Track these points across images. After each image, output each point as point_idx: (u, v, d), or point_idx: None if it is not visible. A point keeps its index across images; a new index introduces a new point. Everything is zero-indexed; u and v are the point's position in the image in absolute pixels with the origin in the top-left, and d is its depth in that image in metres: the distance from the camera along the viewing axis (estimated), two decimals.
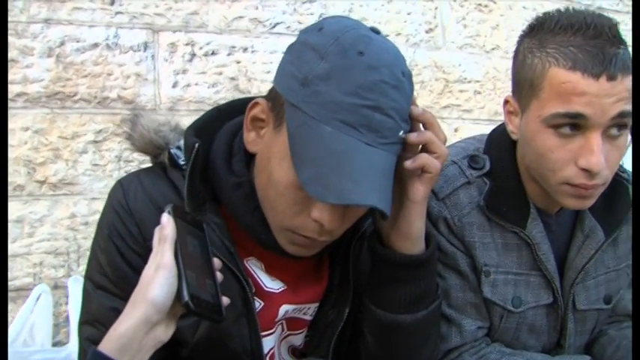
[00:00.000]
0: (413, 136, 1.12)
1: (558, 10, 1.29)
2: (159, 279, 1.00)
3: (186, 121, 1.30)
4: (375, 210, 1.03)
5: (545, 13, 1.30)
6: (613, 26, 1.23)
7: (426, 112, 1.15)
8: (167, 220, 1.06)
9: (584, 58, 1.20)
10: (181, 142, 1.23)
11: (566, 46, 1.23)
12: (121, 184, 1.25)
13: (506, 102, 1.41)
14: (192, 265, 1.04)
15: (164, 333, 1.02)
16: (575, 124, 1.23)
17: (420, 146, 1.16)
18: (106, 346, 0.97)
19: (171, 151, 1.23)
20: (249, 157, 1.21)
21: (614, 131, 1.24)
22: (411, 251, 1.19)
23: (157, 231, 1.07)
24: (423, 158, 1.13)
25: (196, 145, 1.15)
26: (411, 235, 1.19)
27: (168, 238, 1.04)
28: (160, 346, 1.02)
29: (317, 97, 1.04)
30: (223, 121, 1.28)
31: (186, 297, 0.99)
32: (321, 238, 1.12)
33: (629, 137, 1.30)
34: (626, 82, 1.21)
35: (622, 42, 1.22)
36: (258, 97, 1.19)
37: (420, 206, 1.17)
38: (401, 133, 1.07)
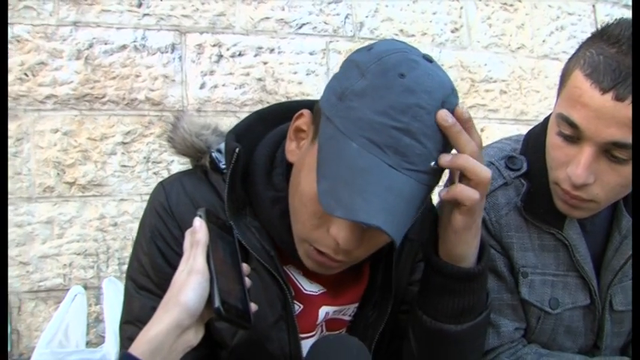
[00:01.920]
0: (444, 160, 1.05)
1: (625, 19, 1.25)
2: (192, 283, 0.99)
3: (215, 122, 1.31)
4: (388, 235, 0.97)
5: (618, 20, 1.26)
6: None
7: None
8: (200, 225, 1.06)
9: (602, 70, 1.18)
10: (222, 146, 1.23)
11: (598, 54, 1.21)
12: (162, 186, 1.25)
13: None
14: (223, 270, 1.04)
15: (194, 337, 1.01)
16: (574, 132, 1.23)
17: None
18: (137, 349, 0.96)
19: (213, 154, 1.23)
20: (290, 170, 1.19)
21: (617, 154, 1.21)
22: (459, 264, 1.17)
23: (187, 234, 1.07)
24: (457, 190, 1.08)
25: (237, 149, 1.16)
26: (453, 257, 1.16)
27: (201, 243, 1.03)
28: (189, 350, 1.01)
29: (349, 113, 1.02)
30: (265, 126, 1.28)
31: (217, 302, 0.98)
32: (337, 256, 1.09)
33: None
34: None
35: None
36: (301, 100, 1.19)
37: (459, 235, 1.13)
38: (432, 163, 1.02)
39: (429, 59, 1.08)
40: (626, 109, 1.16)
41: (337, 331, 1.33)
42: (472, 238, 1.15)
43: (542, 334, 1.47)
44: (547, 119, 1.40)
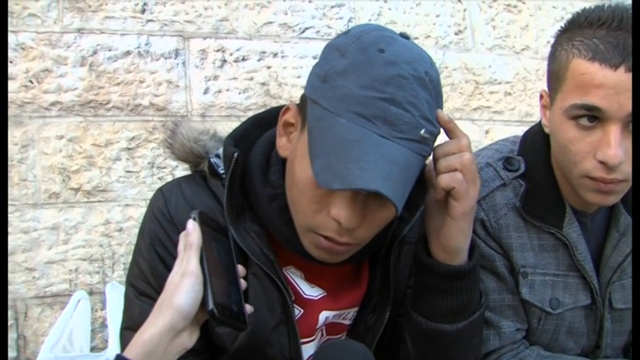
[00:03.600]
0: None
1: (595, 7, 1.27)
2: (185, 286, 0.99)
3: (219, 127, 1.31)
4: (395, 209, 1.01)
5: (581, 10, 1.30)
6: None
7: (452, 121, 1.13)
8: (193, 227, 1.06)
9: (605, 49, 1.20)
10: (220, 151, 1.24)
11: (590, 38, 1.23)
12: (162, 192, 1.26)
13: (541, 96, 1.41)
14: (217, 272, 1.04)
15: (188, 340, 1.02)
16: (594, 116, 1.23)
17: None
18: (131, 352, 0.97)
19: (211, 159, 1.24)
20: (285, 167, 1.21)
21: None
22: (451, 262, 1.18)
23: (182, 237, 1.07)
24: (439, 181, 1.12)
25: (235, 154, 1.17)
26: (450, 249, 1.17)
27: (194, 245, 1.04)
28: (183, 353, 1.02)
29: (334, 91, 1.05)
30: (262, 130, 1.29)
31: (211, 305, 0.98)
32: (342, 239, 1.11)
33: None
34: None
35: None
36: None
37: (457, 222, 1.14)
38: (422, 131, 1.05)
39: (405, 36, 1.13)
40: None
41: (337, 336, 1.33)
42: (469, 226, 1.17)
43: (544, 334, 1.46)
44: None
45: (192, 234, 1.05)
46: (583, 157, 1.27)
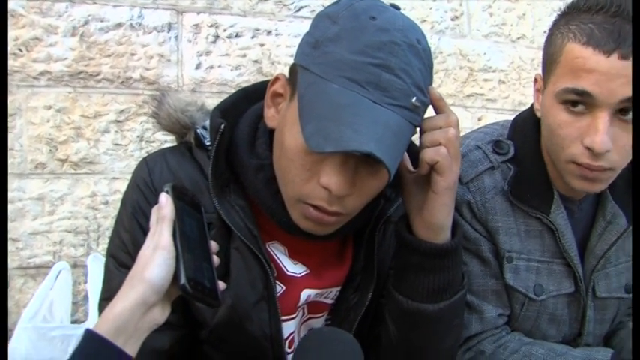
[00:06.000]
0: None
1: None
2: (157, 260, 0.97)
3: (209, 102, 1.30)
4: (388, 173, 1.00)
5: None
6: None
7: (442, 99, 1.13)
8: (165, 200, 1.04)
9: (600, 35, 1.19)
10: (207, 123, 1.23)
11: (586, 23, 1.22)
12: (146, 162, 1.24)
13: (535, 80, 1.40)
14: (190, 247, 1.02)
15: (160, 315, 0.99)
16: (584, 101, 1.22)
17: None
18: (101, 326, 0.94)
19: (198, 131, 1.23)
20: (272, 140, 1.20)
21: (626, 116, 1.22)
22: (435, 240, 1.17)
23: (154, 210, 1.06)
24: (424, 155, 1.11)
25: (222, 125, 1.16)
26: (433, 225, 1.16)
27: (167, 218, 1.02)
28: (155, 328, 0.99)
29: (325, 57, 1.04)
30: (250, 103, 1.28)
31: (183, 279, 0.96)
32: (332, 208, 1.09)
33: None
34: None
35: None
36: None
37: (440, 197, 1.13)
38: (414, 99, 1.04)
39: (396, 7, 1.12)
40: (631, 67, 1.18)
41: (319, 315, 1.32)
42: (451, 202, 1.16)
43: (526, 321, 1.46)
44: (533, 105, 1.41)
45: (164, 207, 1.03)
46: (571, 142, 1.27)
